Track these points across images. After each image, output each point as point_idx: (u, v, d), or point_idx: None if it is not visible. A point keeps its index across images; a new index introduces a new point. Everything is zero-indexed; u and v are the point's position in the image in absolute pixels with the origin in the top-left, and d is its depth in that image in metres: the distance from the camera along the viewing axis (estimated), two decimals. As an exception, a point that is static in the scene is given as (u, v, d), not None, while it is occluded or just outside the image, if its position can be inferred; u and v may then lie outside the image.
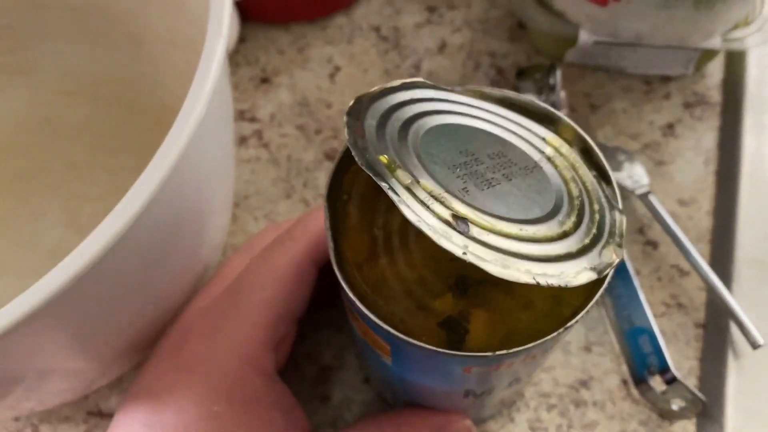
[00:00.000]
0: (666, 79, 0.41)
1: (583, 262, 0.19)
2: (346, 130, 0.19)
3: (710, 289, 0.34)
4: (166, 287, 0.28)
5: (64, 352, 0.25)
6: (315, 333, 0.35)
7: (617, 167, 0.37)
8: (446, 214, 0.18)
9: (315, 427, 0.29)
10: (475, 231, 0.18)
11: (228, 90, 0.29)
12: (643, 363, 0.33)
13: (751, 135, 0.39)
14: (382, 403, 0.33)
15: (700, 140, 0.39)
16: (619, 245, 0.20)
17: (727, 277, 0.35)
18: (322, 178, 0.38)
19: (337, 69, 0.41)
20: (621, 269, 0.35)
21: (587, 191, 0.21)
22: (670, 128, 0.39)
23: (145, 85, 0.39)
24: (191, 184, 0.25)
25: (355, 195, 0.24)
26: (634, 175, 0.37)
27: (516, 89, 0.38)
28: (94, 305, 0.23)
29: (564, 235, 0.20)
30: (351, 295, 0.21)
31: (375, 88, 0.22)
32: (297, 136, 0.39)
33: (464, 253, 0.18)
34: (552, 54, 0.41)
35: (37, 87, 0.40)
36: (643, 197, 0.36)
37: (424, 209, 0.18)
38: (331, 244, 0.22)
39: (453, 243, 0.18)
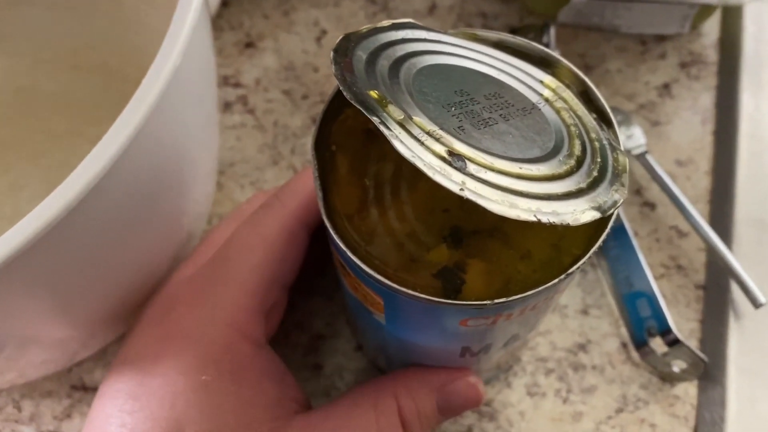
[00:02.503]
0: (661, 39, 0.40)
1: (586, 202, 0.18)
2: (332, 66, 0.18)
3: (710, 250, 0.33)
4: (146, 251, 0.27)
5: (43, 315, 0.24)
6: (306, 301, 0.34)
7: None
8: (442, 151, 0.17)
9: (308, 397, 0.28)
10: (472, 168, 0.17)
11: (209, 49, 0.28)
12: (642, 326, 0.32)
13: (748, 93, 0.38)
14: (375, 371, 0.32)
15: (697, 100, 0.38)
16: (623, 185, 0.19)
17: (726, 237, 0.34)
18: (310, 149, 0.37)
19: (324, 32, 0.40)
20: (619, 231, 0.34)
21: (588, 132, 0.20)
22: (666, 88, 0.38)
23: (126, 51, 0.37)
24: (169, 143, 0.24)
25: (344, 145, 0.23)
26: (631, 135, 0.36)
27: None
28: (70, 262, 0.22)
29: (566, 174, 0.19)
30: (342, 246, 0.20)
31: (364, 27, 0.21)
32: (283, 101, 0.38)
33: (461, 190, 0.16)
34: (545, 14, 0.40)
35: (13, 55, 0.38)
36: (641, 157, 0.35)
37: (418, 145, 0.17)
38: (320, 194, 0.21)
39: (450, 180, 0.17)
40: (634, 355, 0.32)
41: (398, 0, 0.41)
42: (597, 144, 0.20)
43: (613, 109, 0.37)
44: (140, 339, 0.26)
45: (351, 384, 0.32)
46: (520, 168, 0.18)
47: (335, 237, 0.20)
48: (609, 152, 0.20)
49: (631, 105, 0.38)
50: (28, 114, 0.39)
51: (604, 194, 0.19)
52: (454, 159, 0.17)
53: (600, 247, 0.20)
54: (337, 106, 0.23)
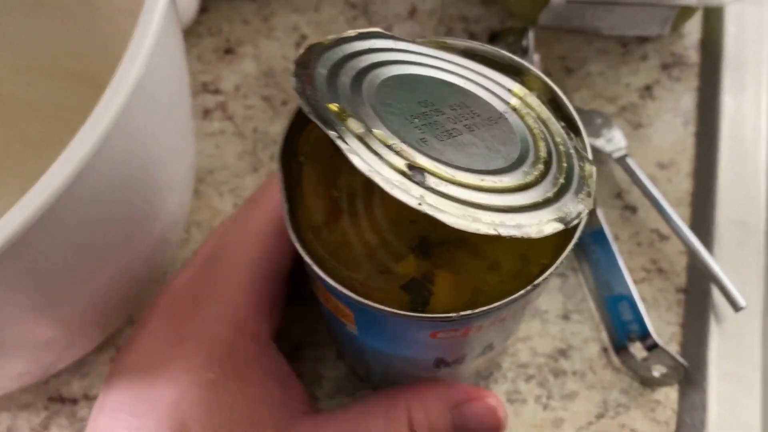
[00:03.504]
0: (642, 40, 0.39)
1: (549, 213, 0.18)
2: (292, 81, 0.18)
3: (691, 253, 0.33)
4: (119, 258, 0.27)
5: (16, 322, 0.24)
6: (286, 309, 0.33)
7: (594, 131, 0.36)
8: (401, 164, 0.17)
9: (313, 400, 0.27)
10: (432, 181, 0.17)
11: (179, 56, 0.28)
12: (624, 331, 0.32)
13: (730, 95, 0.38)
14: (355, 380, 0.32)
15: (679, 102, 0.38)
16: (589, 195, 0.19)
17: (708, 240, 0.34)
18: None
19: (304, 37, 0.40)
20: (599, 235, 0.34)
21: (555, 142, 0.20)
22: (647, 90, 0.38)
23: (104, 59, 0.37)
24: (138, 150, 0.24)
25: (312, 156, 0.22)
26: (611, 138, 0.36)
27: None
28: (40, 268, 0.22)
29: (529, 186, 0.18)
30: (308, 259, 0.20)
31: (329, 37, 0.21)
32: (263, 108, 0.38)
33: (419, 204, 0.16)
34: (526, 17, 0.40)
35: (-11, 64, 0.38)
36: (621, 161, 0.35)
37: (377, 159, 0.17)
38: (285, 207, 0.21)
39: (408, 194, 0.16)
40: (615, 360, 0.32)
41: (379, 4, 0.41)
42: (564, 153, 0.20)
43: (594, 111, 0.36)
44: (145, 344, 0.26)
45: (330, 392, 0.32)
46: (482, 180, 0.18)
47: (301, 250, 0.20)
48: (576, 161, 0.20)
49: (612, 107, 0.38)
50: (5, 122, 0.38)
51: (569, 204, 0.18)
52: (414, 172, 0.17)
53: (569, 256, 0.20)
54: (305, 116, 0.22)
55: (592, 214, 0.33)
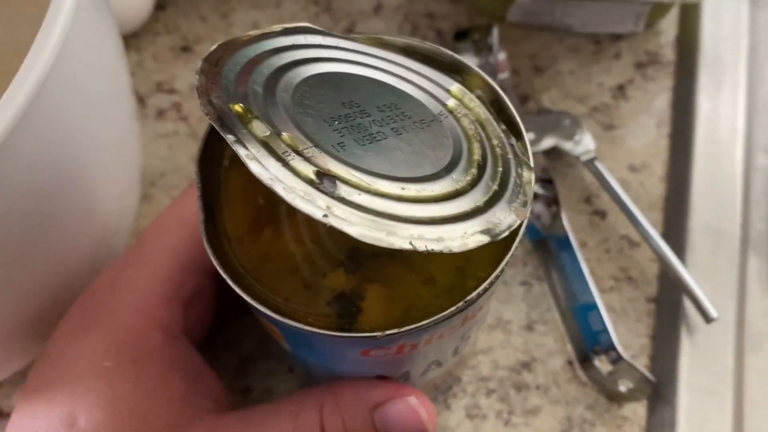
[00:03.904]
0: (616, 38, 0.38)
1: (476, 225, 0.16)
2: (196, 78, 0.17)
3: (662, 261, 0.32)
4: (55, 265, 0.25)
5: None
6: (236, 320, 0.32)
7: (563, 133, 0.34)
8: (309, 171, 0.15)
9: (232, 399, 0.26)
10: (343, 190, 0.15)
11: (113, 51, 0.26)
12: (594, 342, 0.30)
13: (705, 95, 0.36)
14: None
15: (653, 102, 0.36)
16: (524, 204, 0.17)
17: (680, 247, 0.33)
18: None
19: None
20: (564, 241, 0.32)
21: (492, 147, 0.19)
22: (620, 90, 0.37)
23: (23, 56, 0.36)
24: (58, 153, 0.23)
25: (238, 161, 0.21)
26: (579, 141, 0.34)
27: (455, 51, 0.35)
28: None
29: (458, 194, 0.17)
30: (223, 274, 0.18)
31: (250, 33, 0.19)
32: (219, 108, 0.36)
33: (325, 216, 0.15)
34: (494, 14, 0.38)
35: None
36: (590, 164, 0.33)
37: (280, 166, 0.15)
38: (201, 216, 0.19)
39: (313, 204, 0.15)
40: (581, 374, 0.30)
41: (342, 0, 0.39)
42: (500, 157, 0.18)
43: (562, 113, 0.35)
44: (59, 332, 0.25)
45: (281, 407, 0.30)
46: (403, 189, 0.16)
47: (217, 264, 0.19)
48: (513, 167, 0.18)
49: (582, 108, 0.36)
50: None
51: (499, 214, 0.17)
52: (323, 181, 0.15)
53: (508, 267, 0.18)
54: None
55: (556, 218, 0.32)
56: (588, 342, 0.31)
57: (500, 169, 0.18)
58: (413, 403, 0.23)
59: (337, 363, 0.22)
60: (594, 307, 0.31)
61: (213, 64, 0.17)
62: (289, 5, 0.39)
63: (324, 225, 0.20)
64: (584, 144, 0.34)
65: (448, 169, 0.17)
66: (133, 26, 0.37)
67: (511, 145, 0.19)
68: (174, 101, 0.37)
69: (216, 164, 0.20)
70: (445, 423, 0.30)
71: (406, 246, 0.15)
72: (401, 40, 0.21)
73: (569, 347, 0.31)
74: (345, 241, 0.20)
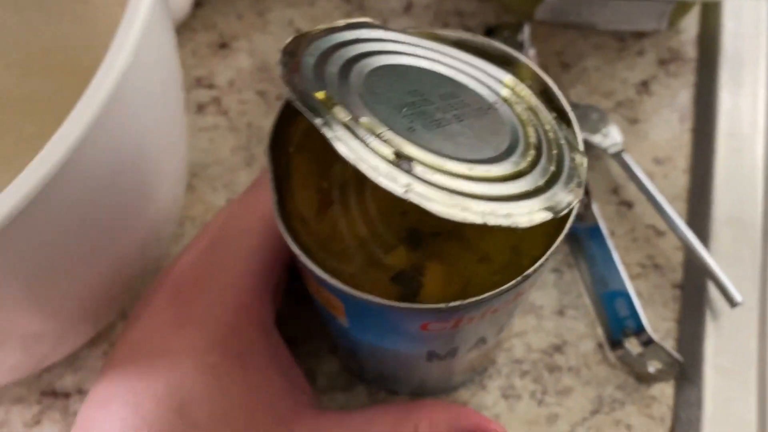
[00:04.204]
0: (639, 36, 0.39)
1: (539, 203, 0.18)
2: (279, 68, 0.18)
3: (687, 249, 0.33)
4: (111, 252, 0.27)
5: (8, 313, 0.24)
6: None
7: (590, 126, 0.36)
8: (387, 152, 0.17)
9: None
10: (419, 169, 0.17)
11: (170, 49, 0.28)
12: (619, 327, 0.32)
13: (727, 91, 0.37)
14: (348, 375, 0.32)
15: (675, 97, 0.38)
16: (579, 185, 0.19)
17: (704, 236, 0.34)
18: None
19: (299, 32, 0.40)
20: (595, 231, 0.33)
21: (545, 132, 0.20)
22: (644, 86, 0.38)
23: (98, 52, 0.37)
24: (126, 143, 0.24)
25: (302, 146, 0.22)
26: (607, 134, 0.36)
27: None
28: (30, 259, 0.22)
29: (518, 175, 0.18)
30: (297, 251, 0.20)
31: (317, 28, 0.20)
32: (257, 103, 0.38)
33: (406, 192, 0.16)
34: (521, 12, 0.39)
35: (-20, 59, 0.38)
36: (617, 156, 0.35)
37: (363, 147, 0.17)
38: (274, 198, 0.21)
39: (394, 182, 0.16)
40: (610, 356, 0.32)
41: (374, -1, 0.41)
42: (554, 144, 0.20)
43: (590, 107, 0.36)
44: (147, 323, 0.26)
45: (324, 388, 0.32)
46: (471, 169, 0.18)
47: (290, 241, 0.20)
48: (566, 152, 0.20)
49: (608, 103, 0.37)
50: (-3, 117, 0.38)
51: (560, 194, 0.18)
52: (400, 161, 0.17)
53: (561, 248, 0.20)
54: (295, 107, 0.22)
55: (587, 209, 0.33)
56: (614, 327, 0.32)
57: (555, 152, 0.19)
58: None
59: (394, 339, 0.23)
60: (620, 294, 0.32)
61: (292, 55, 0.18)
62: (323, 4, 0.41)
63: (384, 205, 0.21)
64: (612, 137, 0.35)
65: (508, 153, 0.19)
66: (173, 23, 0.39)
67: (562, 131, 0.20)
68: (213, 96, 0.38)
69: (283, 151, 0.22)
70: (481, 402, 0.31)
71: (479, 221, 0.16)
72: (453, 34, 0.23)
73: (599, 331, 0.32)
74: (404, 221, 0.21)
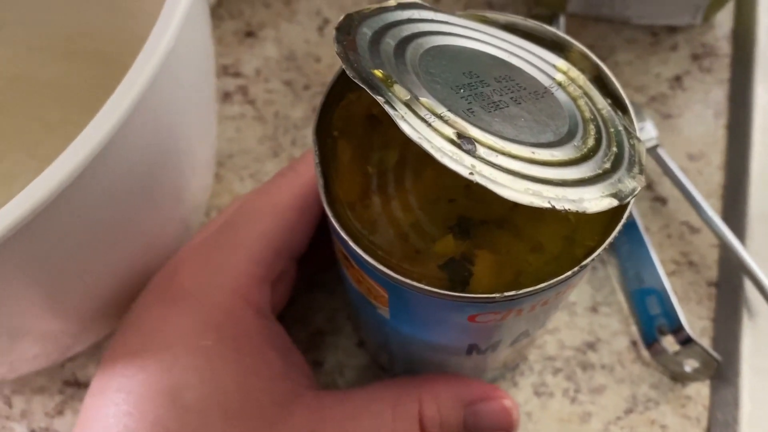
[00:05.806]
0: (672, 30, 0.38)
1: (604, 189, 0.17)
2: (335, 44, 0.17)
3: (723, 246, 0.32)
4: (140, 241, 0.26)
5: (34, 304, 0.23)
6: (306, 296, 0.33)
7: (623, 121, 0.35)
8: (450, 133, 0.16)
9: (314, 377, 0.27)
10: (482, 152, 0.16)
11: (206, 35, 0.27)
12: (651, 324, 0.31)
13: (762, 87, 0.37)
14: (377, 368, 0.31)
15: (709, 93, 0.37)
16: (641, 172, 0.18)
17: (739, 233, 0.33)
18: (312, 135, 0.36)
19: (326, 21, 0.39)
20: (630, 226, 0.33)
21: (603, 118, 0.19)
22: (677, 81, 0.37)
23: (122, 38, 0.36)
24: (161, 130, 0.24)
25: (346, 131, 0.22)
26: (642, 128, 0.35)
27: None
28: (60, 249, 0.21)
29: (581, 160, 0.18)
30: (344, 235, 0.19)
31: (368, 7, 0.20)
32: (284, 92, 0.37)
33: (471, 174, 0.15)
34: (553, 4, 0.39)
35: (6, 44, 0.37)
36: (652, 151, 0.34)
37: (425, 127, 0.16)
38: (321, 182, 0.20)
39: (460, 163, 0.16)
40: (645, 353, 0.31)
41: (403, -11, 0.40)
42: (613, 130, 0.19)
43: (624, 101, 0.35)
44: (143, 304, 0.26)
45: (352, 381, 0.31)
46: (533, 153, 0.17)
47: (337, 226, 0.19)
48: (625, 138, 0.19)
49: (641, 97, 0.37)
50: (22, 103, 0.38)
51: (622, 181, 0.18)
52: (464, 142, 0.16)
53: (613, 241, 0.19)
54: (339, 91, 0.22)
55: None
56: (646, 325, 0.31)
57: (614, 141, 0.19)
58: (508, 405, 0.25)
59: (436, 330, 0.22)
60: (652, 291, 0.31)
61: (346, 33, 0.18)
62: (351, -7, 0.40)
63: (431, 192, 0.21)
64: (647, 131, 0.35)
65: (569, 137, 0.18)
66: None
67: (619, 117, 0.20)
68: (240, 84, 0.37)
69: (327, 135, 0.21)
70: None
71: (546, 205, 0.16)
72: (503, 17, 0.22)
73: (633, 328, 0.32)
74: (452, 209, 0.20)
